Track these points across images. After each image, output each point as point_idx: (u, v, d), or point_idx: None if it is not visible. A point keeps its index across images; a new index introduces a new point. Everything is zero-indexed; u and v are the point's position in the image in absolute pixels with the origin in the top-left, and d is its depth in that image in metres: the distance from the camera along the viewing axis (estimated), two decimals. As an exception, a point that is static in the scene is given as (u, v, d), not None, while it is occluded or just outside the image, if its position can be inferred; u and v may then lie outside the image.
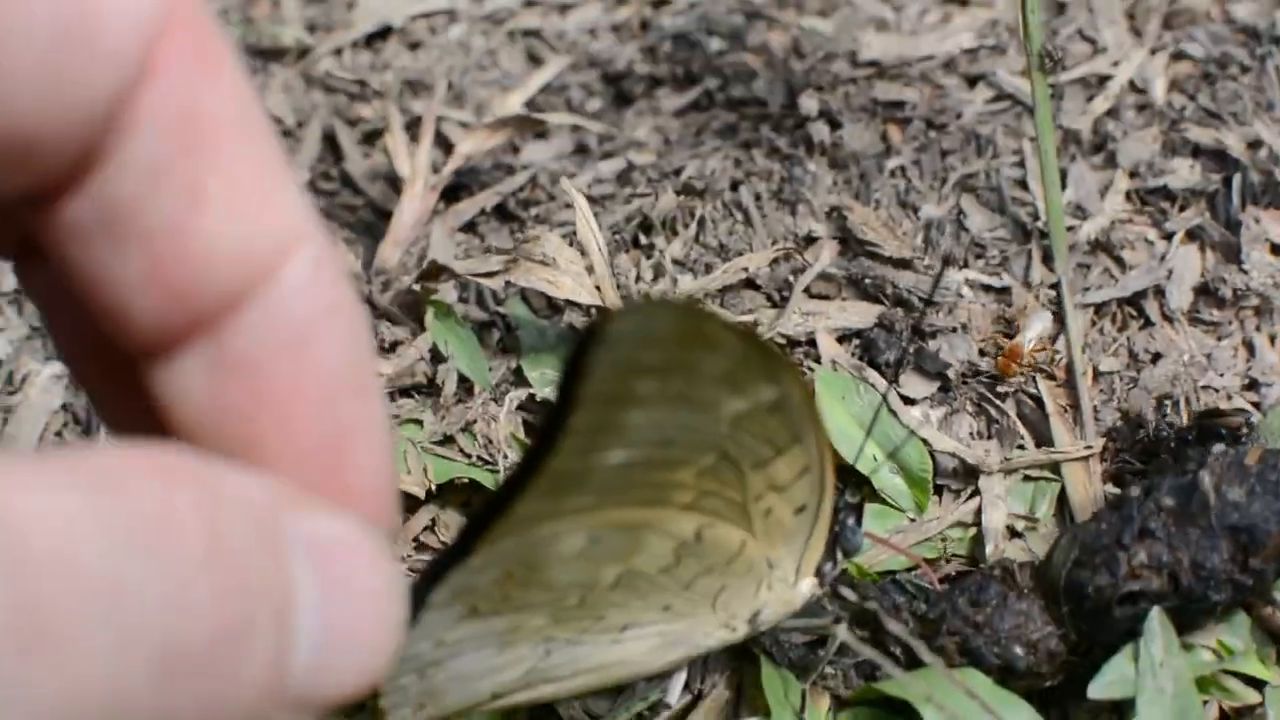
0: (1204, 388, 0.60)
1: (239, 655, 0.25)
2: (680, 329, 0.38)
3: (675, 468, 0.42)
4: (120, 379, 0.33)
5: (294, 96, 0.78)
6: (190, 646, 0.24)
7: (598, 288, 0.63)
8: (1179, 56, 0.73)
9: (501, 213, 0.72)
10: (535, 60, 0.80)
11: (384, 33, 0.82)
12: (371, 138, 0.76)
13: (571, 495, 0.40)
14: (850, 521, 0.50)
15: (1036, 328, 0.62)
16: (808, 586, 0.48)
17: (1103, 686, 0.50)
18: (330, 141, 0.77)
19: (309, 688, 0.26)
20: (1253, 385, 0.61)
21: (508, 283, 0.64)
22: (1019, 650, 0.51)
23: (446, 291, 0.66)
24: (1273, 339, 0.62)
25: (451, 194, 0.73)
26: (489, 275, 0.64)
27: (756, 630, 0.48)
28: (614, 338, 0.36)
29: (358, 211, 0.74)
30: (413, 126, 0.75)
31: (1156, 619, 0.50)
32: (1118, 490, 0.57)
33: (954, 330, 0.62)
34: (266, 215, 0.29)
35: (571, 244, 0.65)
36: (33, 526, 0.22)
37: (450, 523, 0.60)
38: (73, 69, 0.26)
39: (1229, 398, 0.60)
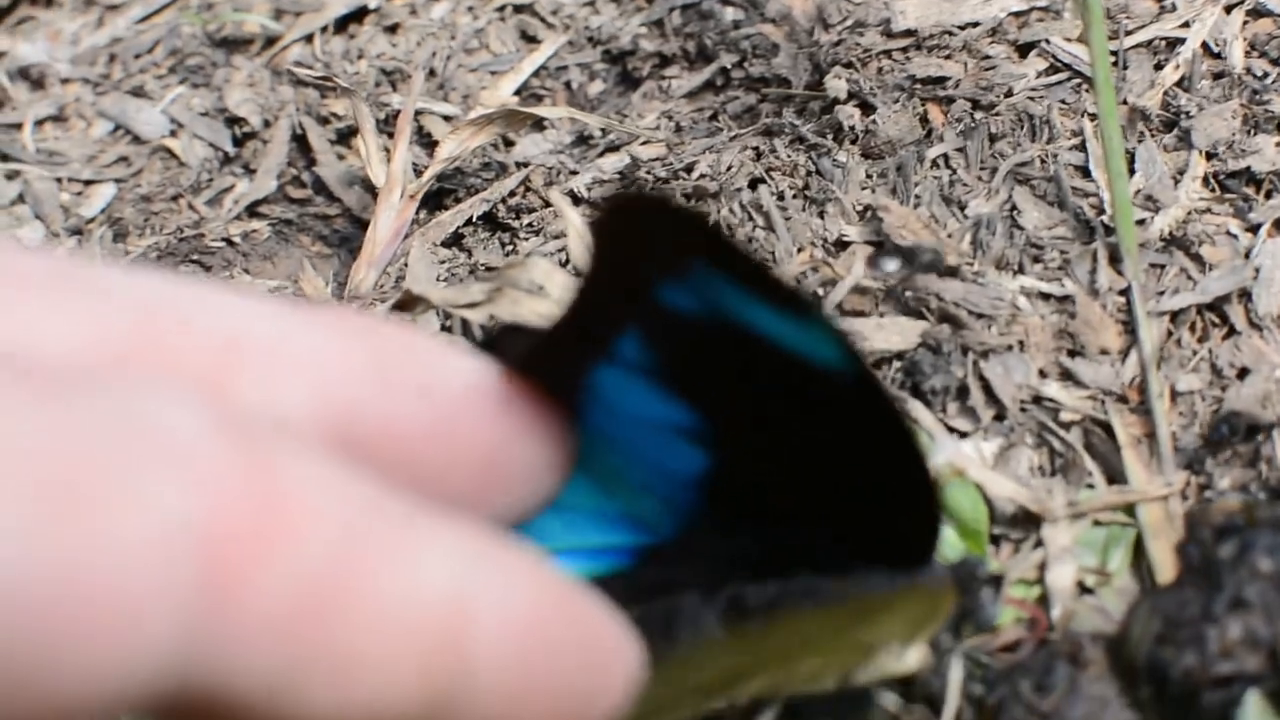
0: (1300, 408, 0.52)
1: None
2: None
3: None
4: None
5: (260, 92, 0.71)
6: None
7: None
8: (1257, 13, 0.64)
9: (491, 221, 0.64)
10: (529, 40, 0.72)
11: (359, 15, 0.74)
12: (346, 137, 0.69)
13: None
14: (986, 593, 0.43)
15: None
16: (915, 659, 0.42)
17: (1194, 788, 0.42)
18: (301, 142, 0.69)
19: None
20: (1357, 402, 0.52)
21: (492, 316, 0.56)
22: (1094, 743, 0.44)
23: (428, 321, 0.58)
24: (1378, 346, 0.54)
25: (435, 200, 0.65)
26: (470, 306, 0.56)
27: None
28: None
29: (333, 221, 0.67)
30: (390, 123, 0.67)
31: (1252, 704, 0.42)
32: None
33: (1010, 348, 0.54)
34: None
35: (565, 264, 0.57)
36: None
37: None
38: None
39: (1329, 418, 0.52)
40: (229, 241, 0.65)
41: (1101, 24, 0.52)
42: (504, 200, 0.64)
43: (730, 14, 0.69)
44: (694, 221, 0.31)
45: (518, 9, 0.74)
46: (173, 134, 0.70)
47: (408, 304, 0.58)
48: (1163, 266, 0.57)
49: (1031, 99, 0.62)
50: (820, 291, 0.57)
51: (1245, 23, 0.63)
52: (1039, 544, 0.50)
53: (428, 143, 0.67)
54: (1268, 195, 0.58)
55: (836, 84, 0.64)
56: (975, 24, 0.66)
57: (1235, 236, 0.57)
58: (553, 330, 0.33)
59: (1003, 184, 0.60)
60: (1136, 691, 0.44)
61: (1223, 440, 0.51)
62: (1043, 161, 0.60)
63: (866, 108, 0.63)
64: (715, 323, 0.32)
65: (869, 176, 0.61)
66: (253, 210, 0.67)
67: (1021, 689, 0.44)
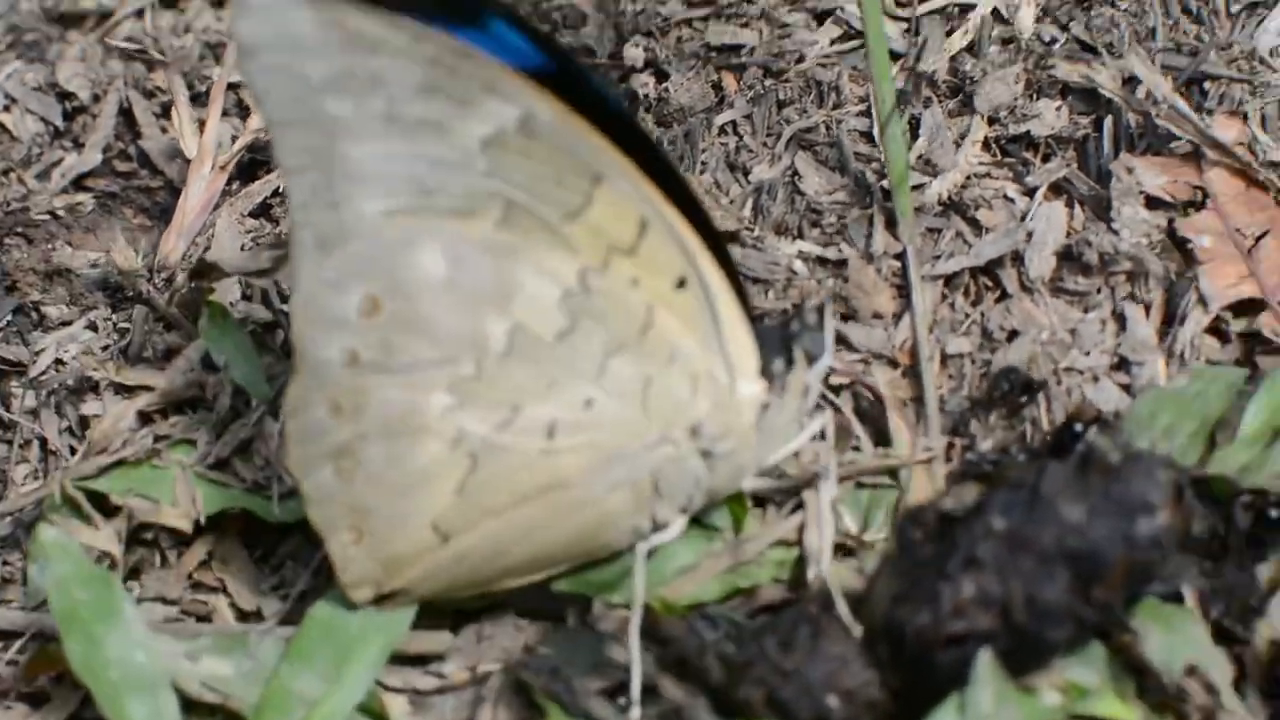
0: (1066, 369, 0.53)
1: None
2: (327, 30, 0.37)
3: (462, 219, 0.37)
4: None
5: (91, 67, 0.71)
6: None
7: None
8: (1052, -23, 0.64)
9: (299, 193, 0.65)
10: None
11: (190, -11, 0.74)
12: (170, 110, 0.69)
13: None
14: (812, 320, 0.46)
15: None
16: (751, 391, 0.43)
17: (925, 747, 0.43)
18: (128, 116, 0.69)
19: None
20: (1122, 364, 0.53)
21: (277, 282, 0.57)
22: (833, 702, 0.44)
23: (228, 289, 0.59)
24: (1147, 309, 0.54)
25: (249, 171, 0.66)
26: (260, 273, 0.57)
27: (711, 454, 0.43)
28: (252, 45, 0.37)
29: (155, 194, 0.67)
30: (206, 96, 0.68)
31: (984, 664, 0.42)
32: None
33: (784, 313, 0.55)
34: None
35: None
36: None
37: (230, 556, 0.53)
38: None
39: (1095, 379, 0.53)
40: (54, 215, 0.66)
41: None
42: (310, 171, 0.65)
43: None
44: None
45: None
46: (6, 109, 0.70)
47: (203, 272, 0.58)
48: (939, 230, 0.57)
49: (822, 65, 0.63)
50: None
51: (1038, -13, 0.64)
52: (800, 506, 0.51)
53: (248, 115, 0.68)
54: (1045, 159, 0.59)
55: (634, 52, 0.64)
56: (774, -9, 0.66)
57: (1012, 200, 0.58)
58: None
59: (786, 150, 0.60)
60: (876, 651, 0.44)
61: (1004, 395, 0.52)
62: (827, 127, 0.61)
63: (661, 76, 0.64)
64: None
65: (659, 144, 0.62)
66: (79, 183, 0.67)
67: (767, 647, 0.45)
